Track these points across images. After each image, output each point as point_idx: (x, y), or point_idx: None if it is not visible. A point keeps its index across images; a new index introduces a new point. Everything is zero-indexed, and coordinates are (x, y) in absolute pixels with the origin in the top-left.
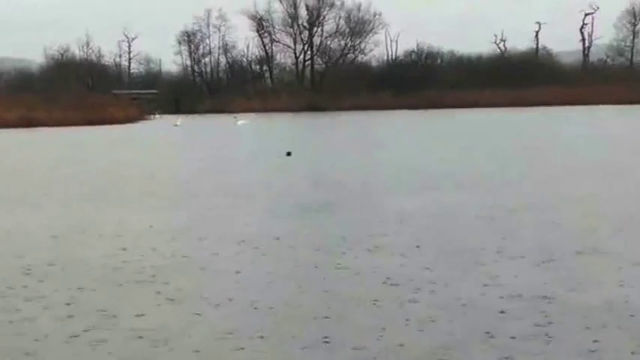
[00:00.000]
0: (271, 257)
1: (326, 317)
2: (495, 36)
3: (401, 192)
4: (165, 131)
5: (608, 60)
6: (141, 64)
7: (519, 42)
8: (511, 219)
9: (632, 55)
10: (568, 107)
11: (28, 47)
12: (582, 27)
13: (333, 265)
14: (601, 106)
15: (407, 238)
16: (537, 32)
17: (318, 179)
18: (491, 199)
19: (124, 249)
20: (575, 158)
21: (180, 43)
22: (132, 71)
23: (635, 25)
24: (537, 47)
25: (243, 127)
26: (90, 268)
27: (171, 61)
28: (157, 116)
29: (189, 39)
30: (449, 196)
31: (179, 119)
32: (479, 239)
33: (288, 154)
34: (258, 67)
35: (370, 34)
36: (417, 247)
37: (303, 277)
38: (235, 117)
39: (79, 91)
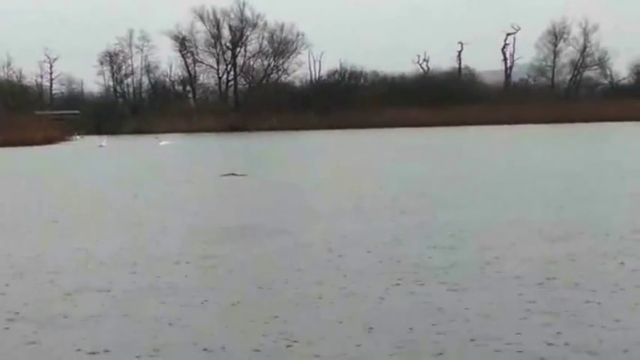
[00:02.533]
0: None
1: None
2: (418, 56)
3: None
4: (88, 152)
5: (529, 79)
6: (63, 84)
7: (442, 62)
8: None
9: (553, 75)
10: (491, 127)
11: None
12: (504, 47)
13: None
14: (522, 126)
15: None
16: (460, 52)
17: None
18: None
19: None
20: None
21: (102, 63)
22: (54, 92)
23: (555, 45)
24: (460, 67)
25: (166, 147)
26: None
27: (93, 81)
28: (79, 137)
29: (111, 59)
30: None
31: (103, 140)
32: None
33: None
34: (181, 87)
35: (293, 55)
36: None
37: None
38: (157, 137)
39: None
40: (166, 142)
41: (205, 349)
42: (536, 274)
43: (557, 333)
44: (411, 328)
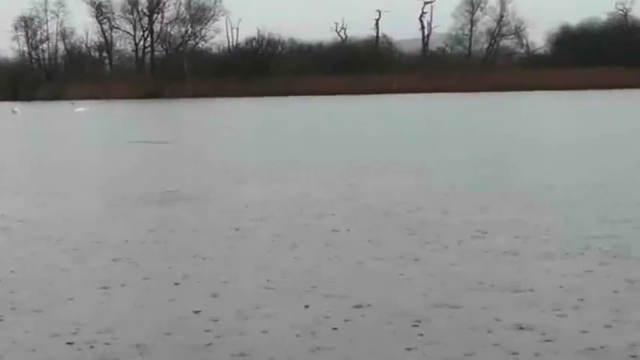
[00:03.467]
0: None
1: None
2: (336, 24)
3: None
4: (2, 118)
5: (447, 48)
6: None
7: (360, 31)
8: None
9: (470, 44)
10: (408, 95)
11: None
12: (422, 15)
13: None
14: (439, 94)
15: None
16: (377, 20)
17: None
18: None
19: None
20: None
21: (16, 28)
22: None
23: (472, 14)
24: (377, 35)
25: (81, 114)
26: None
27: (8, 47)
28: None
29: (26, 24)
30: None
31: (16, 106)
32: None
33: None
34: (97, 53)
35: (211, 21)
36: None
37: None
38: (73, 104)
39: None
40: (82, 108)
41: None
42: None
43: None
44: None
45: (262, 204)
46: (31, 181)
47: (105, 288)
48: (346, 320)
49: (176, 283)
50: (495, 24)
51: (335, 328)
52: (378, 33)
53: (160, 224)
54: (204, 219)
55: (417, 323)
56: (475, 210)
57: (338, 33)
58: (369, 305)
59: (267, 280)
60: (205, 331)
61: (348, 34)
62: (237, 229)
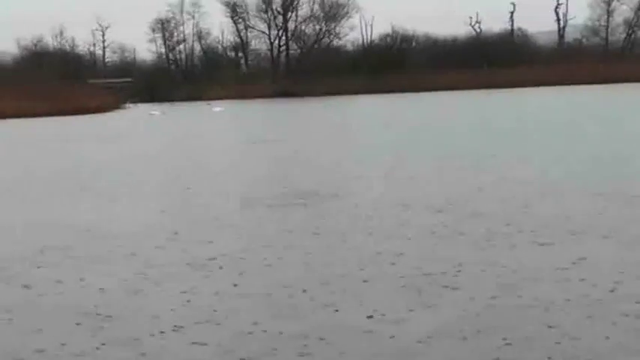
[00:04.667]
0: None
1: None
2: (470, 18)
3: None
4: (142, 120)
5: (583, 40)
6: (115, 52)
7: (495, 23)
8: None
9: (607, 35)
10: (546, 88)
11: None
12: (557, 7)
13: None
14: (577, 86)
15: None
16: (512, 13)
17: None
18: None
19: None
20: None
21: (154, 30)
22: (106, 60)
23: (609, 4)
24: (512, 28)
25: (219, 113)
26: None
27: (145, 49)
28: (131, 105)
29: (162, 26)
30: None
31: (155, 108)
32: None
33: None
34: (233, 53)
35: (345, 19)
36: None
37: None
38: (209, 104)
39: (52, 80)
40: (218, 108)
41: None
42: None
43: None
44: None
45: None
46: (171, 183)
47: None
48: None
49: None
50: (633, 14)
51: None
52: (513, 26)
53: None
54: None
55: None
56: None
57: (472, 27)
58: None
59: None
60: None
61: (483, 28)
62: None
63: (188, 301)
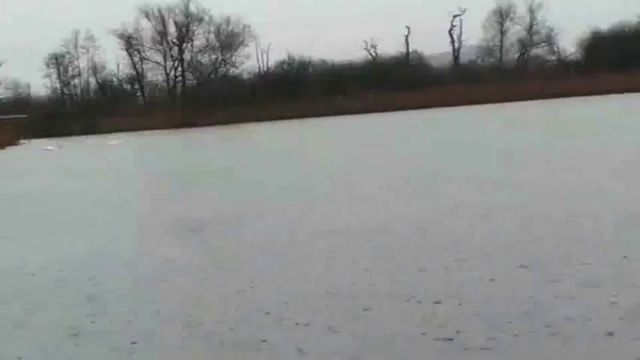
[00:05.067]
0: None
1: None
2: (366, 42)
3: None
4: (35, 156)
5: (478, 60)
6: (9, 89)
7: (391, 47)
8: None
9: (501, 55)
10: (442, 109)
11: None
12: (451, 29)
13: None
14: (473, 107)
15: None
16: (407, 36)
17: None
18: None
19: None
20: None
21: (48, 65)
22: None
23: (502, 24)
24: (408, 51)
25: (116, 147)
26: None
27: (40, 84)
28: (26, 141)
29: (57, 61)
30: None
31: (50, 143)
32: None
33: None
34: (129, 86)
35: (240, 47)
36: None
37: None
38: (106, 137)
39: None
40: (116, 141)
41: None
42: None
43: None
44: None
45: None
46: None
47: None
48: None
49: None
50: (526, 33)
51: None
52: (408, 49)
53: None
54: None
55: None
56: None
57: (368, 51)
58: None
59: None
60: None
61: (379, 52)
62: None
63: None
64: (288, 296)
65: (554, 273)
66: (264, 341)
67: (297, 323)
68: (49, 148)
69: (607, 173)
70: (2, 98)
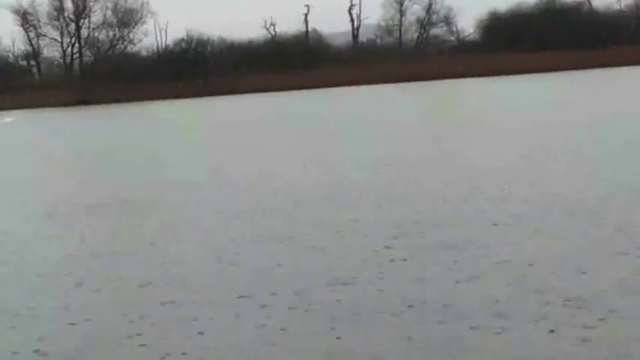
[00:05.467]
0: None
1: None
2: (265, 21)
3: None
4: None
5: (377, 39)
6: None
7: (291, 26)
8: None
9: (400, 34)
10: (343, 88)
11: None
12: (350, 8)
13: None
14: (371, 86)
15: None
16: (306, 15)
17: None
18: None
19: None
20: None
21: None
22: None
23: (401, 4)
24: (307, 30)
25: (10, 124)
26: None
27: None
28: None
29: None
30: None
31: None
32: None
33: None
34: (25, 62)
35: (139, 24)
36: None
37: None
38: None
39: None
40: (9, 119)
41: None
42: None
43: None
44: None
45: None
46: None
47: None
48: None
49: None
50: (424, 13)
51: None
52: (307, 28)
53: None
54: None
55: None
56: None
57: (268, 30)
58: None
59: None
60: None
61: (278, 31)
62: None
63: None
64: None
65: None
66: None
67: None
68: None
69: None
70: None
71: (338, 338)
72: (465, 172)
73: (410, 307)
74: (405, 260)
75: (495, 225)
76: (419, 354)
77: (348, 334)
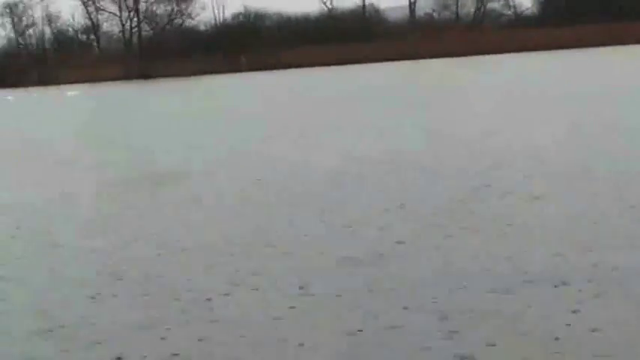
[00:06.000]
0: None
1: None
2: None
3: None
4: None
5: (434, 14)
6: None
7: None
8: None
9: (457, 8)
10: (400, 62)
11: None
12: None
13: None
14: (431, 60)
15: None
16: None
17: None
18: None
19: None
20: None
21: (2, 15)
22: None
23: None
24: (364, 4)
25: (74, 98)
26: None
27: None
28: None
29: (11, 11)
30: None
31: (9, 94)
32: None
33: None
34: (84, 36)
35: None
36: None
37: None
38: (60, 89)
39: None
40: (74, 92)
41: None
42: None
43: None
44: None
45: None
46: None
47: None
48: None
49: None
50: None
51: None
52: (364, 2)
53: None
54: None
55: None
56: None
57: (324, 4)
58: None
59: None
60: None
61: (335, 4)
62: None
63: None
64: None
65: None
66: None
67: None
68: (8, 98)
69: None
70: None
71: None
72: None
73: None
74: None
75: None
76: None
77: None
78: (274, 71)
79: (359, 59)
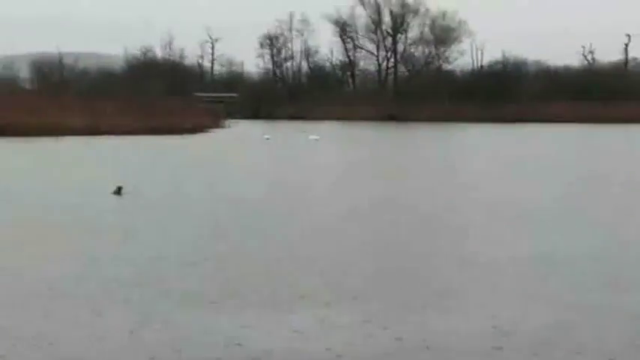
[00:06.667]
0: None
1: None
2: (583, 47)
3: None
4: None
5: None
6: (223, 66)
7: (608, 53)
8: None
9: None
10: None
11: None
12: None
13: None
14: None
15: None
16: (627, 45)
17: None
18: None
19: None
20: None
21: (262, 46)
22: (214, 73)
23: None
24: (627, 59)
25: (313, 142)
26: None
27: (252, 63)
28: (232, 122)
29: (271, 42)
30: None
31: (267, 132)
32: None
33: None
34: (340, 73)
35: (455, 43)
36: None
37: None
38: (305, 132)
39: (159, 92)
40: (314, 136)
41: None
42: None
43: None
44: None
45: None
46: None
47: None
48: None
49: None
50: None
51: None
52: (627, 57)
53: None
54: None
55: None
56: None
57: (585, 57)
58: None
59: None
60: None
61: (596, 58)
62: None
63: None
64: None
65: None
66: None
67: None
68: (267, 137)
69: None
70: (216, 74)
71: None
72: None
73: None
74: None
75: None
76: None
77: None
78: (535, 124)
79: (618, 119)
